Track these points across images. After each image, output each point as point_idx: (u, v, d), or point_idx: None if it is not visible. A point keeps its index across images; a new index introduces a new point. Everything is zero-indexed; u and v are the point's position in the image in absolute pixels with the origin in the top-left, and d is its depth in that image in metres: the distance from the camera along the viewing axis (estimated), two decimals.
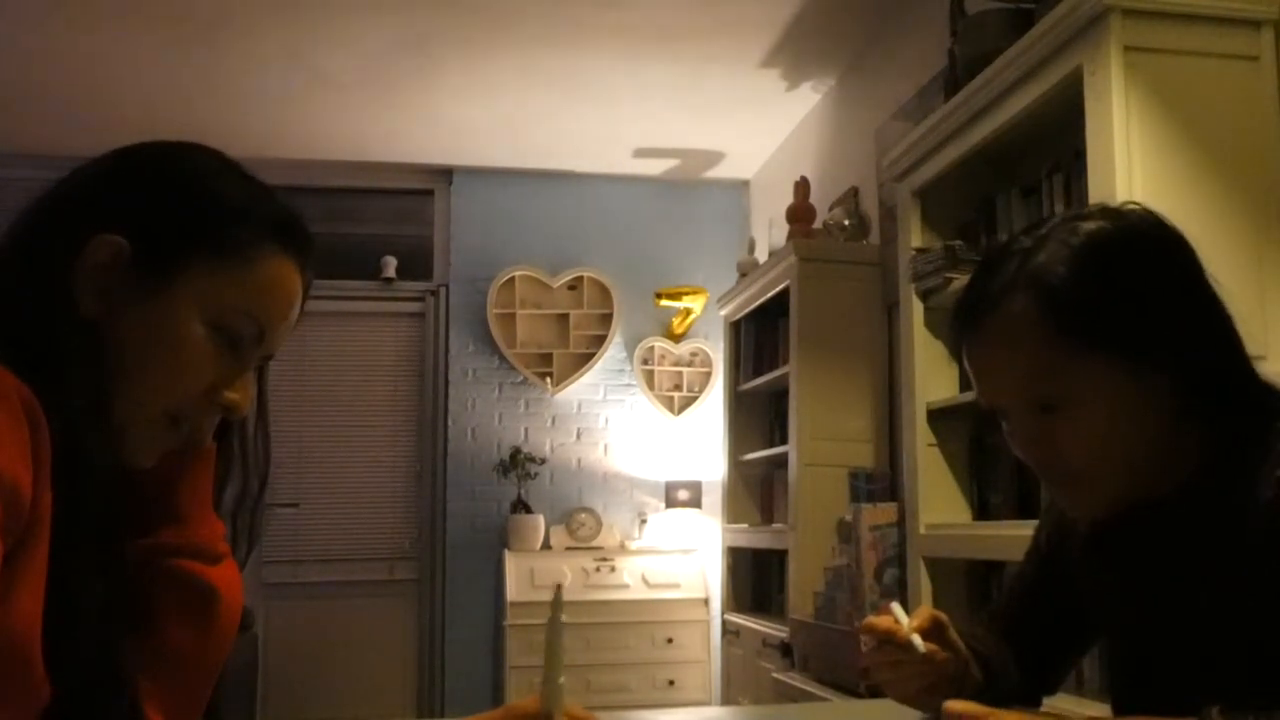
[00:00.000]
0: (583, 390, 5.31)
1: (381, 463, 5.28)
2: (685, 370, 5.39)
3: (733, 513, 4.60)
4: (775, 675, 3.54)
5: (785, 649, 3.63)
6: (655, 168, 5.33)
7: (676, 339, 5.39)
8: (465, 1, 3.65)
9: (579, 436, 5.31)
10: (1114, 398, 1.00)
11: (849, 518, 3.27)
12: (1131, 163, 1.99)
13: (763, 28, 3.86)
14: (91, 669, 0.75)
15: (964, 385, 2.73)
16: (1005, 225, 2.64)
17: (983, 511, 2.75)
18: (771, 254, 4.14)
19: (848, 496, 3.55)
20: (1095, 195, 2.02)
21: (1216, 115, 2.05)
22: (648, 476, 5.28)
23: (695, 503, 5.18)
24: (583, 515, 5.17)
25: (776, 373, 4.08)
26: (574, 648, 4.61)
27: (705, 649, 4.82)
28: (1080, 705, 1.95)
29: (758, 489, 4.61)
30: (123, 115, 4.38)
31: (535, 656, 0.87)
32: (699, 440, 5.26)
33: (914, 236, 2.88)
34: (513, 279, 5.28)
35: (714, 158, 5.23)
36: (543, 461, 5.18)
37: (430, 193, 5.41)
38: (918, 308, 2.81)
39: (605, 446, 5.32)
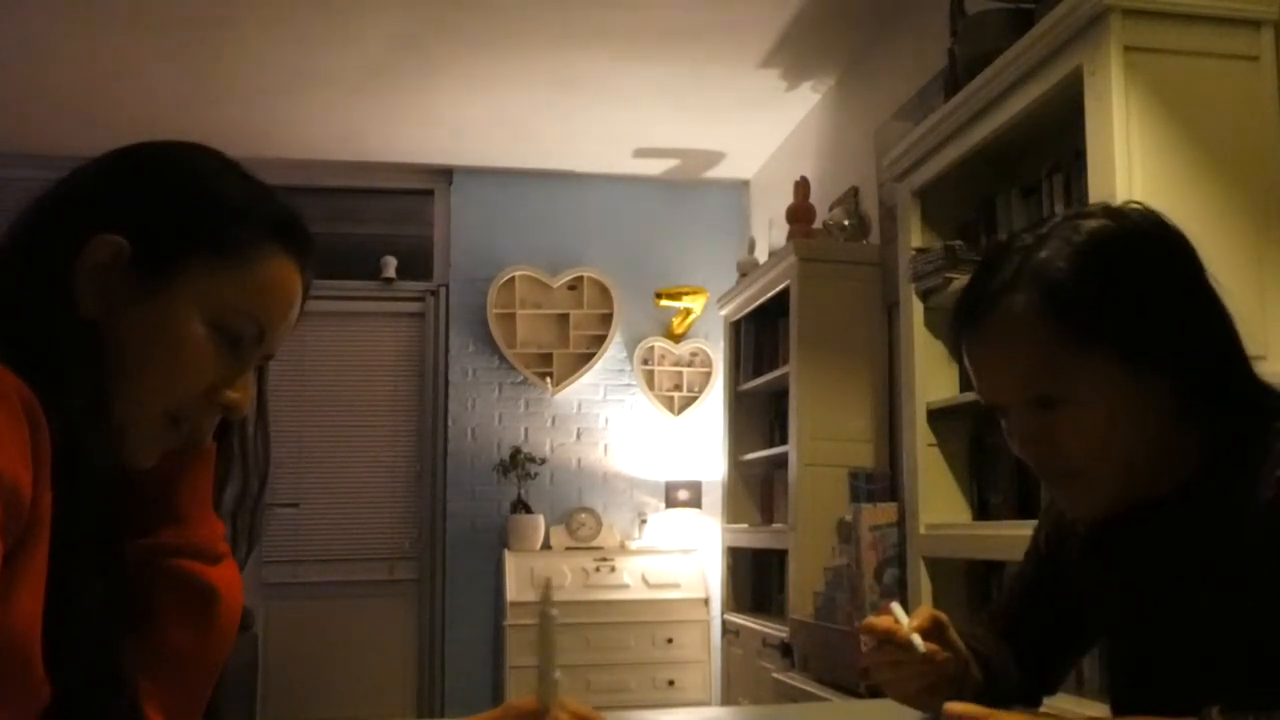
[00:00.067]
0: (583, 390, 5.31)
1: (381, 463, 5.28)
2: (685, 370, 5.39)
3: (733, 513, 4.60)
4: (775, 675, 3.54)
5: (785, 649, 3.63)
6: (655, 168, 5.34)
7: (676, 339, 5.39)
8: (465, 1, 3.65)
9: (579, 436, 5.31)
10: (1114, 396, 1.00)
11: (849, 518, 3.27)
12: (1131, 163, 1.99)
13: (763, 28, 3.86)
14: (91, 669, 0.75)
15: (964, 385, 2.73)
16: (1005, 225, 2.64)
17: (983, 511, 2.75)
18: (771, 254, 4.14)
19: (848, 496, 3.55)
20: (1095, 195, 2.02)
21: (1216, 115, 2.05)
22: (648, 476, 5.28)
23: (695, 503, 5.18)
24: (583, 515, 5.17)
25: (776, 373, 4.08)
26: (574, 648, 4.61)
27: (705, 649, 4.82)
28: (1080, 705, 1.95)
29: (758, 489, 4.61)
30: (123, 115, 4.38)
31: (535, 656, 0.88)
32: (699, 440, 5.26)
33: (914, 236, 2.88)
34: (513, 279, 5.28)
35: (714, 158, 5.23)
36: (543, 461, 5.19)
37: (430, 193, 5.42)
38: (918, 308, 2.81)
39: (605, 446, 5.32)
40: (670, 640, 4.79)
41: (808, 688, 3.18)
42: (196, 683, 0.89)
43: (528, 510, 5.08)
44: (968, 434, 2.80)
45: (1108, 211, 1.07)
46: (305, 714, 4.97)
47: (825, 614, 3.35)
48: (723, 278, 4.97)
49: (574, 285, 5.35)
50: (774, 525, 4.24)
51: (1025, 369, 1.02)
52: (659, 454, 5.29)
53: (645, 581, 4.91)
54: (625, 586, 4.87)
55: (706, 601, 4.88)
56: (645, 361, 5.35)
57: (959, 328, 1.08)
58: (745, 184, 5.53)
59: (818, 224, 4.10)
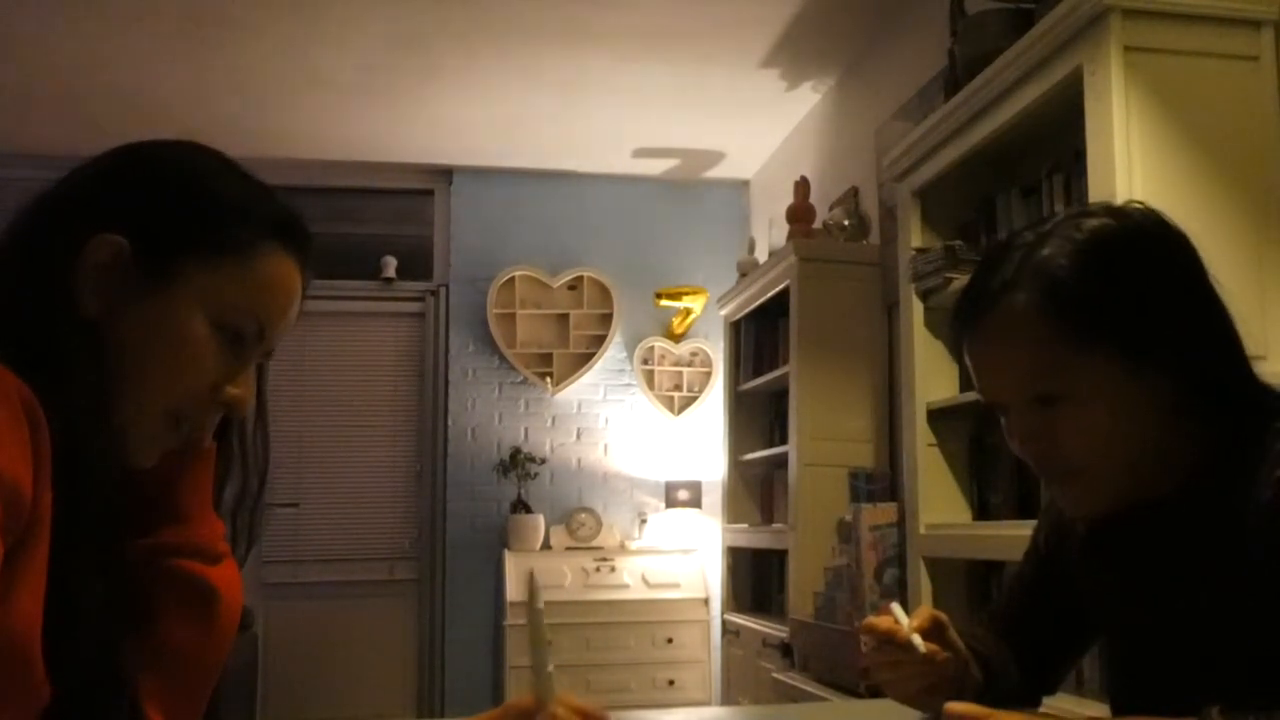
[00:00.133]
0: (583, 390, 5.31)
1: (381, 463, 5.28)
2: (685, 370, 5.39)
3: (733, 513, 4.60)
4: (775, 675, 3.54)
5: (785, 649, 3.63)
6: (655, 168, 5.34)
7: (676, 339, 5.39)
8: (465, 2, 3.65)
9: (579, 436, 5.31)
10: (1114, 395, 1.00)
11: (849, 518, 3.27)
12: (1131, 163, 1.99)
13: (763, 28, 3.86)
14: (91, 669, 0.75)
15: (964, 385, 2.73)
16: (1005, 225, 2.64)
17: (983, 511, 2.75)
18: (771, 254, 4.14)
19: (848, 496, 3.55)
20: (1095, 195, 2.02)
21: (1216, 115, 2.05)
22: (648, 476, 5.29)
23: (695, 503, 5.18)
24: (583, 515, 5.17)
25: (776, 373, 4.09)
26: (574, 648, 4.61)
27: (705, 649, 4.82)
28: (1080, 705, 1.95)
29: (758, 489, 4.61)
30: (123, 115, 4.38)
31: (527, 655, 0.88)
32: (699, 440, 5.26)
33: (914, 236, 2.88)
34: (513, 279, 5.28)
35: (714, 158, 5.23)
36: (543, 461, 5.19)
37: (430, 193, 5.41)
38: (918, 308, 2.81)
39: (605, 446, 5.32)
40: (670, 640, 4.79)
41: (808, 688, 3.18)
42: (197, 682, 0.89)
43: (528, 510, 5.08)
44: (968, 434, 2.80)
45: (1110, 210, 1.07)
46: (305, 714, 4.97)
47: (825, 614, 3.35)
48: (723, 278, 4.97)
49: (574, 285, 5.35)
50: (774, 525, 4.24)
51: (1026, 367, 1.02)
52: (659, 454, 5.29)
53: (645, 581, 4.91)
54: (625, 586, 4.87)
55: (706, 601, 4.88)
56: (645, 361, 5.35)
57: (960, 326, 1.08)
58: (745, 184, 5.53)
59: (818, 224, 4.10)
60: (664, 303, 5.24)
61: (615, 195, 5.43)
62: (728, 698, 4.45)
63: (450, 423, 5.22)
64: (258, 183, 0.92)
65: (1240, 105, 2.07)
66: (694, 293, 5.23)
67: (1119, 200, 1.23)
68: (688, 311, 5.31)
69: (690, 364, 5.39)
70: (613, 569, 4.93)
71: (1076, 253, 1.01)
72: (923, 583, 2.74)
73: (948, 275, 2.62)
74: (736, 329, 4.61)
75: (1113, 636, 1.18)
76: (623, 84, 4.31)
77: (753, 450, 4.44)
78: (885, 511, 3.18)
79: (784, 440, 4.06)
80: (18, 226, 0.85)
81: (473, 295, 5.27)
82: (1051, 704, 1.30)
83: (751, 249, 4.70)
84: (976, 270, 1.09)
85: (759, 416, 4.57)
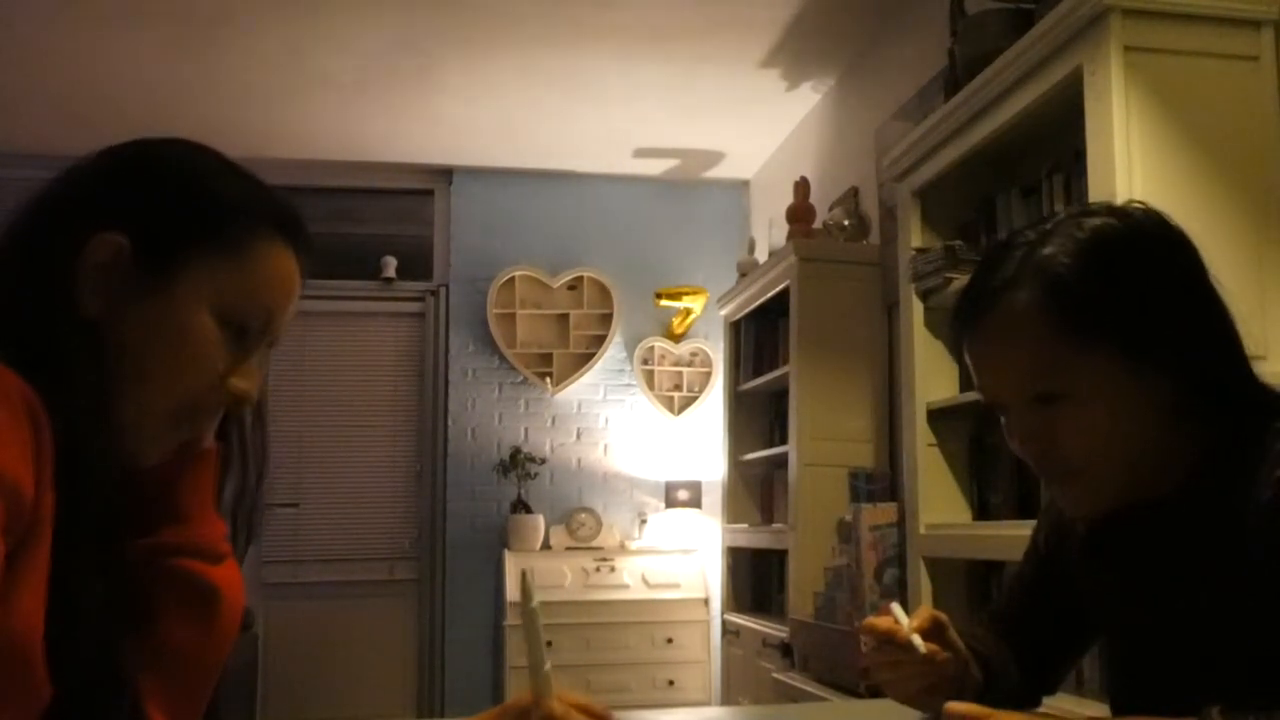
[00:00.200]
0: (583, 390, 5.31)
1: (381, 463, 5.28)
2: (685, 370, 5.39)
3: (733, 513, 4.60)
4: (775, 675, 3.54)
5: (785, 649, 3.63)
6: (655, 168, 5.34)
7: (676, 339, 5.39)
8: (465, 2, 3.65)
9: (579, 436, 5.31)
10: (1115, 394, 1.00)
11: (849, 518, 3.27)
12: (1131, 163, 1.99)
13: (762, 28, 3.86)
14: (92, 669, 0.75)
15: (964, 385, 2.73)
16: (1005, 225, 2.64)
17: (983, 511, 2.76)
18: (771, 254, 4.14)
19: (848, 496, 3.54)
20: (1095, 195, 2.02)
21: (1216, 115, 2.05)
22: (648, 476, 5.29)
23: (695, 503, 5.18)
24: (583, 515, 5.17)
25: (776, 373, 4.08)
26: (574, 648, 4.62)
27: (705, 649, 4.82)
28: (1080, 705, 1.95)
29: (758, 489, 4.61)
30: (123, 115, 4.38)
31: (524, 654, 0.87)
32: (699, 440, 5.26)
33: (914, 236, 2.88)
34: (513, 279, 5.28)
35: (714, 158, 5.23)
36: (543, 461, 5.19)
37: (430, 193, 5.42)
38: (918, 308, 2.81)
39: (605, 446, 5.32)
40: (670, 640, 4.79)
41: (808, 688, 3.18)
42: (197, 682, 0.89)
43: (528, 510, 5.08)
44: (968, 434, 2.80)
45: (1111, 210, 1.07)
46: (305, 714, 4.98)
47: (825, 614, 3.35)
48: (723, 278, 4.97)
49: (574, 285, 5.35)
50: (774, 525, 4.24)
51: (1027, 365, 1.02)
52: (659, 454, 5.29)
53: (645, 581, 4.91)
54: (625, 586, 4.87)
55: (706, 601, 4.88)
56: (645, 361, 5.35)
57: (960, 324, 1.08)
58: (745, 184, 5.53)
59: (818, 224, 4.10)
60: (664, 303, 5.24)
61: (615, 195, 5.43)
62: (728, 698, 4.45)
63: (450, 423, 5.22)
64: (253, 178, 0.92)
65: (1240, 105, 2.07)
66: (694, 293, 5.23)
67: (1119, 200, 1.23)
68: (688, 311, 5.31)
69: (690, 364, 5.40)
70: (613, 569, 4.93)
71: (1078, 252, 1.01)
72: (923, 583, 2.74)
73: (948, 275, 2.62)
74: (736, 329, 4.61)
75: (1113, 636, 1.18)
76: (623, 84, 4.31)
77: (753, 450, 4.44)
78: (885, 511, 3.18)
79: (784, 440, 4.06)
80: (16, 226, 0.85)
81: (473, 295, 5.27)
82: (1051, 704, 1.30)
83: (751, 249, 4.69)
84: (977, 269, 1.09)
85: (759, 416, 4.57)
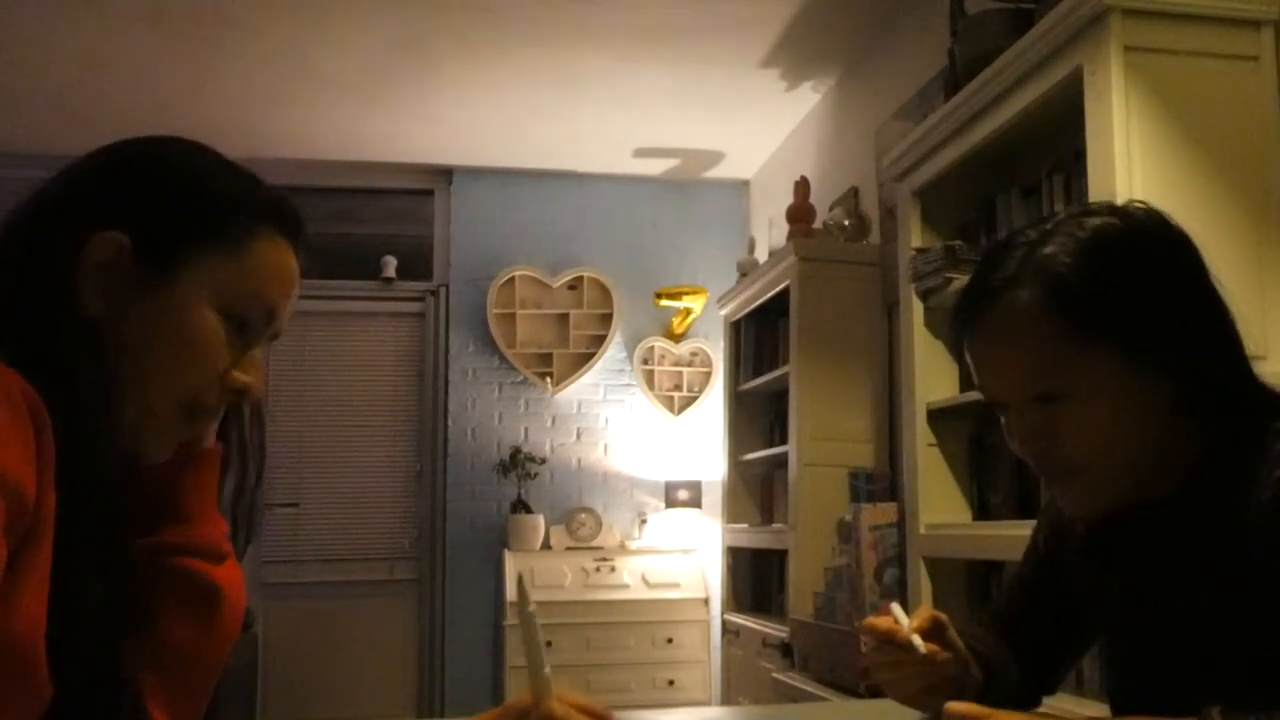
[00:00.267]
0: (583, 390, 5.31)
1: (381, 463, 5.28)
2: (685, 370, 5.39)
3: (733, 513, 4.60)
4: (775, 675, 3.54)
5: (785, 649, 3.63)
6: (655, 168, 5.34)
7: (676, 339, 5.39)
8: (465, 2, 3.65)
9: (579, 436, 5.31)
10: (1116, 394, 1.00)
11: (849, 518, 3.27)
12: (1131, 163, 1.99)
13: (763, 28, 3.86)
14: (93, 669, 0.76)
15: (964, 385, 2.73)
16: (1005, 225, 2.64)
17: (983, 511, 2.76)
18: (771, 254, 4.14)
19: (848, 496, 3.55)
20: (1095, 195, 2.02)
21: (1216, 115, 2.05)
22: (648, 476, 5.29)
23: (695, 503, 5.18)
24: (583, 515, 5.17)
25: (776, 373, 4.09)
26: (574, 648, 4.62)
27: (705, 649, 4.82)
28: (1080, 705, 1.95)
29: (758, 489, 4.61)
30: (123, 115, 4.38)
31: (523, 658, 0.87)
32: (699, 440, 5.26)
33: (914, 236, 2.88)
34: (513, 279, 5.28)
35: (714, 158, 5.23)
36: (543, 461, 5.19)
37: (430, 193, 5.42)
38: (918, 308, 2.81)
39: (605, 446, 5.32)
40: (670, 640, 4.79)
41: (808, 688, 3.18)
42: (198, 682, 0.89)
43: (528, 510, 5.08)
44: (968, 434, 2.80)
45: (1113, 210, 1.07)
46: (305, 714, 4.98)
47: (825, 614, 3.35)
48: (723, 278, 4.97)
49: (574, 285, 5.35)
50: (774, 525, 4.24)
51: (1027, 364, 1.02)
52: (659, 454, 5.29)
53: (645, 581, 4.91)
54: (625, 586, 4.87)
55: (706, 601, 4.88)
56: (645, 361, 5.35)
57: (961, 323, 1.08)
58: (745, 184, 5.53)
59: (818, 224, 4.10)
60: (664, 303, 5.24)
61: (615, 195, 5.43)
62: (728, 698, 4.45)
63: (450, 423, 5.22)
64: (247, 173, 0.93)
65: (1240, 105, 2.07)
66: (694, 293, 5.23)
67: (1120, 200, 1.23)
68: (688, 311, 5.31)
69: (690, 364, 5.40)
70: (613, 569, 4.93)
71: (1079, 251, 1.01)
72: (923, 583, 2.74)
73: (948, 275, 2.62)
74: (736, 329, 4.61)
75: (1113, 636, 1.18)
76: (623, 84, 4.31)
77: (753, 450, 4.44)
78: (885, 511, 3.18)
79: (784, 440, 4.06)
80: (16, 226, 0.86)
81: (473, 295, 5.27)
82: (1051, 704, 1.30)
83: (751, 249, 4.70)
84: (978, 268, 1.09)
85: (759, 416, 4.57)
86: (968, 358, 1.09)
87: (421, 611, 5.20)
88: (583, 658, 4.61)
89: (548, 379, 5.23)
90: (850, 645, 2.91)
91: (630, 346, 5.35)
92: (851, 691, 2.93)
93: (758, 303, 4.25)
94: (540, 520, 5.07)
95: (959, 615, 1.28)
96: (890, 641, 1.12)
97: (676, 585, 4.91)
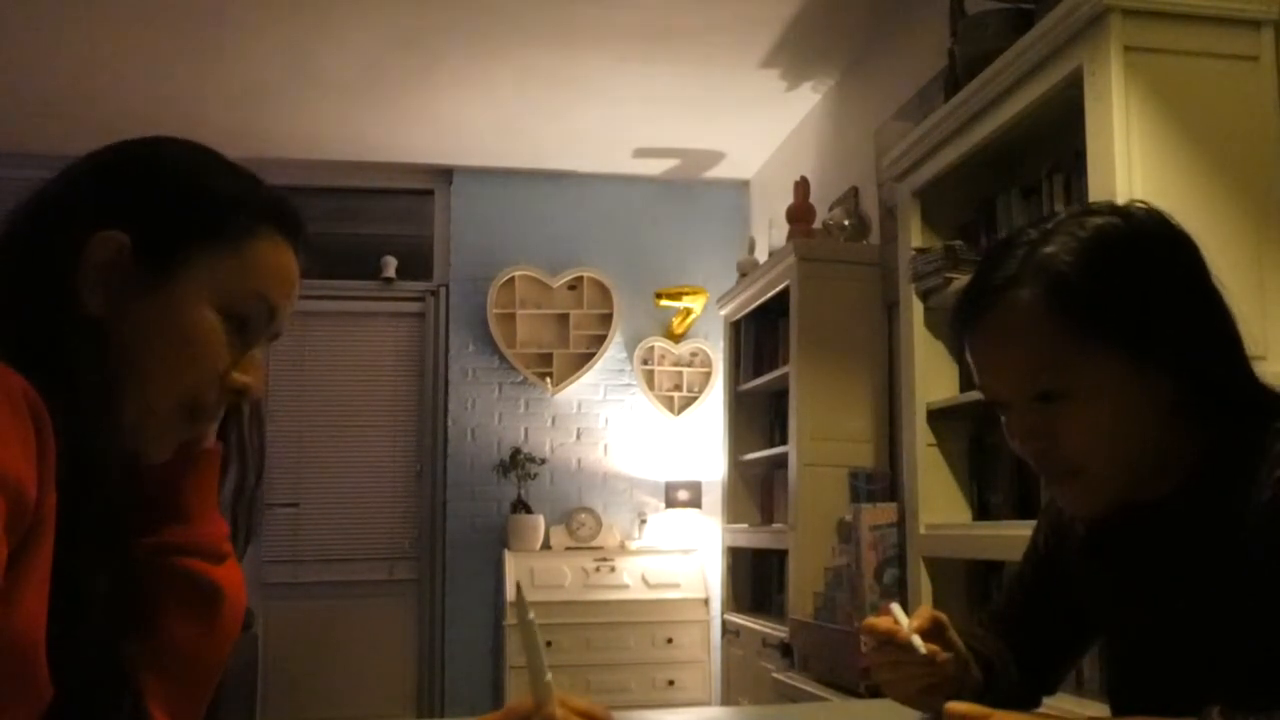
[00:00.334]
0: (583, 390, 5.31)
1: (381, 463, 5.28)
2: (685, 370, 5.39)
3: (733, 513, 4.60)
4: (775, 675, 3.54)
5: (785, 649, 3.63)
6: (655, 168, 5.34)
7: (676, 339, 5.39)
8: (465, 2, 3.65)
9: (579, 436, 5.31)
10: (1116, 393, 1.00)
11: (849, 518, 3.27)
12: (1131, 163, 1.99)
13: (763, 28, 3.86)
14: (94, 668, 0.76)
15: (964, 385, 2.73)
16: (1005, 225, 2.64)
17: (983, 511, 2.76)
18: (771, 254, 4.14)
19: (848, 496, 3.54)
20: (1095, 195, 2.02)
21: (1216, 115, 2.05)
22: (648, 476, 5.29)
23: (695, 503, 5.18)
24: (583, 515, 5.17)
25: (776, 373, 4.08)
26: (574, 648, 4.62)
27: (705, 649, 4.82)
28: (1080, 705, 1.95)
29: (758, 489, 4.61)
30: (123, 115, 4.38)
31: (524, 664, 0.87)
32: (699, 440, 5.26)
33: (914, 236, 2.88)
34: (513, 279, 5.28)
35: (714, 158, 5.23)
36: (543, 461, 5.19)
37: (430, 193, 5.42)
38: (918, 308, 2.81)
39: (605, 446, 5.32)
40: (670, 640, 4.79)
41: (808, 688, 3.18)
42: (198, 681, 0.89)
43: (528, 510, 5.08)
44: (968, 434, 2.80)
45: (1114, 209, 1.07)
46: (305, 714, 4.98)
47: (825, 614, 3.35)
48: (723, 278, 4.97)
49: (574, 285, 5.35)
50: (774, 525, 4.24)
51: (1028, 363, 1.02)
52: (659, 454, 5.29)
53: (645, 581, 4.91)
54: (625, 586, 4.87)
55: (706, 601, 4.88)
56: (645, 361, 5.35)
57: (962, 322, 1.08)
58: (745, 184, 5.53)
59: (818, 224, 4.10)
60: (664, 303, 5.24)
61: (615, 195, 5.43)
62: (728, 698, 4.45)
63: (450, 423, 5.22)
64: (247, 173, 0.93)
65: (1240, 105, 2.07)
66: (694, 293, 5.23)
67: (1120, 200, 1.23)
68: (688, 311, 5.31)
69: (690, 364, 5.40)
70: (613, 569, 4.93)
71: (1081, 250, 1.01)
72: (923, 583, 2.74)
73: (948, 275, 2.62)
74: (736, 329, 4.61)
75: (1113, 636, 1.18)
76: (623, 84, 4.31)
77: (753, 450, 4.44)
78: (885, 511, 3.18)
79: (784, 440, 4.06)
80: (17, 226, 0.86)
81: (473, 295, 5.27)
82: (1051, 704, 1.30)
83: (751, 249, 4.70)
84: (979, 267, 1.09)
85: (759, 416, 4.57)
86: (968, 357, 1.09)
87: (421, 611, 5.20)
88: (583, 658, 4.61)
89: (548, 379, 5.24)
90: (850, 645, 2.91)
91: (630, 346, 5.35)
92: (851, 691, 2.93)
93: (758, 303, 4.25)
94: (540, 520, 5.07)
95: (959, 615, 1.28)
96: (890, 641, 1.12)
97: (676, 585, 4.91)
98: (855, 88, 4.17)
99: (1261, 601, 0.96)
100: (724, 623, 4.54)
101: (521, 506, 5.08)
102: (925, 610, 1.16)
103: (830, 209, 4.17)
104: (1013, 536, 2.08)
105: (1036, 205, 2.53)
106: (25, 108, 4.47)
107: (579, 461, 5.29)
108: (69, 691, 0.73)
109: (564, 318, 5.30)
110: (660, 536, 5.13)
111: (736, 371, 4.59)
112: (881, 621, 1.14)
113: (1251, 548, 0.96)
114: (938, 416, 2.78)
